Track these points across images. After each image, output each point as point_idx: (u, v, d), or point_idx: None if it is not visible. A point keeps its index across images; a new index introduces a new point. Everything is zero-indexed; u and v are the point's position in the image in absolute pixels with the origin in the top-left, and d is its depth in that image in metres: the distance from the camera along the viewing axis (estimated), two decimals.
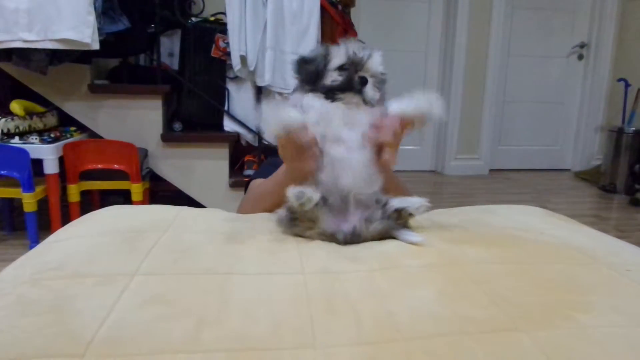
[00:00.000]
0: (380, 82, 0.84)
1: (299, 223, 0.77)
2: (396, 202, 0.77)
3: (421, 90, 0.81)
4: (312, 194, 0.74)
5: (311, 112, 0.80)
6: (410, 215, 0.78)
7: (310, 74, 0.83)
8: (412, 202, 0.77)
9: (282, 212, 0.79)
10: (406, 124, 0.83)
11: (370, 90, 0.82)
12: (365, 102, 0.82)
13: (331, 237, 0.76)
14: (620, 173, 3.98)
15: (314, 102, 0.82)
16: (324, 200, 0.76)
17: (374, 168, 0.80)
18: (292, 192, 0.74)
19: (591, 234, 0.87)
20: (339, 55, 0.83)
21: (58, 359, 0.46)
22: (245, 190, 1.23)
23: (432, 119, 0.82)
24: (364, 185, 0.78)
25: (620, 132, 4.02)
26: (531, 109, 4.72)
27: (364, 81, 0.81)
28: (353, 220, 0.76)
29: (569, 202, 3.77)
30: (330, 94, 0.81)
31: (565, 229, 0.88)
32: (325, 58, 0.83)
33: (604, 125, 4.61)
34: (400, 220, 0.78)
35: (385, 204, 0.78)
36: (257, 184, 1.13)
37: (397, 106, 0.83)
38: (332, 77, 0.82)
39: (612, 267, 0.69)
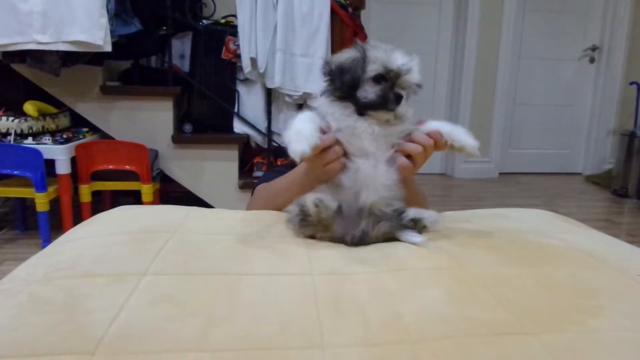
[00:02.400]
0: (414, 93, 0.81)
1: (310, 225, 0.76)
2: (412, 213, 0.78)
3: (460, 126, 0.81)
4: (331, 203, 0.74)
5: (341, 128, 0.78)
6: (425, 227, 0.78)
7: (345, 84, 0.78)
8: (428, 214, 0.78)
9: (293, 211, 0.79)
10: (440, 145, 0.82)
11: (403, 107, 0.78)
12: (397, 117, 0.79)
13: (340, 240, 0.76)
14: (632, 177, 3.93)
15: (344, 117, 0.78)
16: (339, 208, 0.76)
17: (396, 185, 0.79)
18: (310, 198, 0.74)
19: (602, 238, 0.86)
20: (376, 63, 0.77)
21: (69, 357, 0.46)
22: (252, 194, 1.22)
23: (467, 153, 0.82)
24: (383, 202, 0.76)
25: (632, 136, 3.98)
26: (542, 112, 4.68)
27: (398, 98, 0.77)
28: (363, 225, 0.76)
29: (580, 206, 3.73)
30: (362, 108, 0.78)
31: (575, 233, 0.88)
32: (363, 66, 0.78)
33: (616, 129, 4.57)
34: (414, 229, 0.78)
35: (401, 213, 0.78)
36: (262, 187, 1.13)
37: (437, 127, 0.82)
38: (367, 90, 0.77)
39: (623, 272, 0.68)
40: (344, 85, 0.79)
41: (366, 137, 0.78)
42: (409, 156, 0.81)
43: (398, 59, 0.78)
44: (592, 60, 4.61)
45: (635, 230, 3.18)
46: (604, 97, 4.61)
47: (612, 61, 4.54)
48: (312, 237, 0.77)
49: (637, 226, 3.28)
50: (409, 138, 0.81)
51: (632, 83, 4.35)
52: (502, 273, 0.66)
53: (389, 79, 0.77)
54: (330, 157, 0.77)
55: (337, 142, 0.78)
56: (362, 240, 0.75)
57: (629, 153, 3.97)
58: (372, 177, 0.77)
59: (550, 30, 4.52)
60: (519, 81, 4.57)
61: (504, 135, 4.61)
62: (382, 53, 0.78)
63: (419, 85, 0.80)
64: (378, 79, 0.77)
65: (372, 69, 0.77)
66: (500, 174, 4.62)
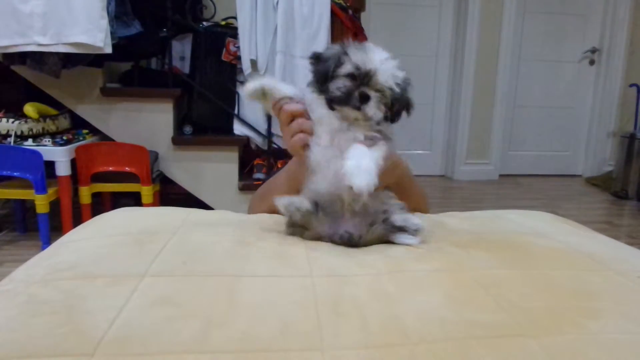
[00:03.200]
0: (392, 98, 0.78)
1: (293, 226, 0.79)
2: (398, 219, 0.77)
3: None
4: (300, 204, 0.75)
5: (313, 117, 0.81)
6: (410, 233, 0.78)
7: (319, 74, 0.80)
8: (413, 223, 0.77)
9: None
10: None
11: (372, 109, 0.76)
12: (365, 119, 0.77)
13: (329, 240, 0.77)
14: (632, 179, 3.93)
15: (318, 107, 0.80)
16: (315, 207, 0.76)
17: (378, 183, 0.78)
18: (281, 202, 0.76)
19: (602, 240, 0.86)
20: (350, 62, 0.77)
21: (68, 358, 0.46)
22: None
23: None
24: (356, 196, 0.74)
25: (632, 138, 3.98)
26: (542, 114, 4.69)
27: (364, 97, 0.76)
28: (347, 226, 0.76)
29: (580, 208, 3.73)
30: (329, 102, 0.78)
31: (575, 235, 0.87)
32: (339, 61, 0.78)
33: (616, 131, 4.57)
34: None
35: (387, 218, 0.77)
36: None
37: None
38: (336, 85, 0.78)
39: (623, 274, 0.68)
40: (317, 74, 0.80)
41: (326, 129, 0.79)
42: None
43: (374, 61, 0.77)
44: (592, 63, 4.62)
45: (636, 232, 3.18)
46: (603, 99, 4.62)
47: (612, 63, 4.54)
48: (301, 237, 0.78)
49: (637, 228, 3.28)
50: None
51: (632, 85, 4.35)
52: (502, 275, 0.66)
53: (358, 78, 0.77)
54: (293, 127, 0.80)
55: (305, 117, 0.81)
56: (353, 241, 0.76)
57: (629, 155, 3.97)
58: (342, 174, 0.75)
59: (550, 32, 4.52)
60: (519, 83, 4.58)
61: (504, 137, 4.61)
62: (361, 53, 0.78)
63: (391, 89, 0.78)
64: (349, 76, 0.78)
65: (346, 67, 0.78)
66: (500, 175, 4.62)
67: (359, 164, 0.70)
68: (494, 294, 0.60)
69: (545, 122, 4.71)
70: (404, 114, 0.82)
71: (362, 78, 0.77)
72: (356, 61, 0.77)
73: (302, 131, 0.80)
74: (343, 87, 0.77)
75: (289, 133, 0.81)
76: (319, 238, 0.77)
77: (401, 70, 0.79)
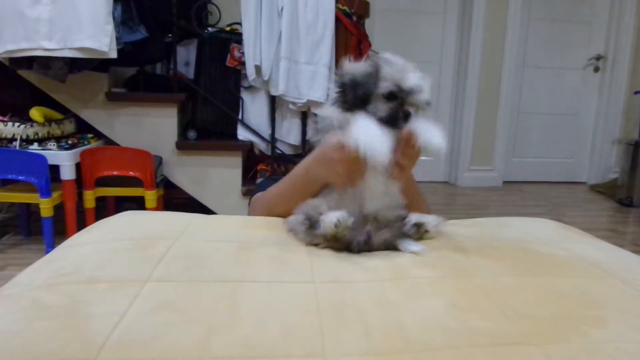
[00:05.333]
0: (423, 110, 0.80)
1: (319, 236, 0.76)
2: (415, 218, 0.79)
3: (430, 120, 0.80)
4: (348, 219, 0.74)
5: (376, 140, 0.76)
6: (426, 232, 0.79)
7: (357, 98, 0.79)
8: (430, 219, 0.79)
9: (295, 220, 0.80)
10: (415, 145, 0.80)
11: (410, 124, 0.78)
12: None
13: (345, 248, 0.77)
14: (637, 187, 3.91)
15: (373, 128, 0.77)
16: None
17: (395, 192, 0.80)
18: (329, 218, 0.73)
19: (606, 248, 0.86)
20: (388, 80, 0.78)
21: None
22: (249, 204, 1.20)
23: (432, 151, 0.80)
24: (386, 209, 0.78)
25: (637, 145, 3.97)
26: (546, 120, 4.68)
27: (407, 116, 0.77)
28: (366, 230, 0.77)
29: (585, 215, 3.71)
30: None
31: (580, 242, 0.87)
32: (375, 81, 0.78)
33: (621, 138, 4.56)
34: (416, 234, 0.79)
35: (404, 218, 0.79)
36: (259, 196, 1.11)
37: (413, 126, 0.81)
38: (377, 107, 0.78)
39: (627, 282, 0.68)
40: (356, 99, 0.79)
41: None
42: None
43: (411, 78, 0.78)
44: (596, 70, 4.61)
45: None
46: (608, 106, 4.61)
47: (616, 70, 4.53)
48: (316, 244, 0.77)
49: None
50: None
51: (636, 92, 4.34)
52: (506, 283, 0.66)
53: (399, 97, 0.78)
54: (362, 166, 0.77)
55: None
56: (365, 246, 0.76)
57: (634, 162, 3.96)
58: (374, 185, 0.78)
59: (554, 39, 4.52)
60: (523, 90, 4.57)
61: (508, 143, 4.60)
62: (396, 71, 0.78)
63: (428, 103, 0.80)
64: (389, 96, 0.77)
65: (385, 86, 0.77)
66: (504, 182, 4.60)
67: (376, 133, 0.72)
68: (497, 301, 0.60)
69: (549, 129, 4.69)
70: None
71: (404, 96, 0.77)
72: (395, 79, 0.77)
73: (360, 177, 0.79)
74: (388, 108, 0.77)
75: (353, 170, 0.78)
76: (339, 248, 0.76)
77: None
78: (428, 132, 0.78)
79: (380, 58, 0.81)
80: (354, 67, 0.82)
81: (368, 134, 0.72)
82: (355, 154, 0.72)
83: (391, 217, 0.79)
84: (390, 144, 0.71)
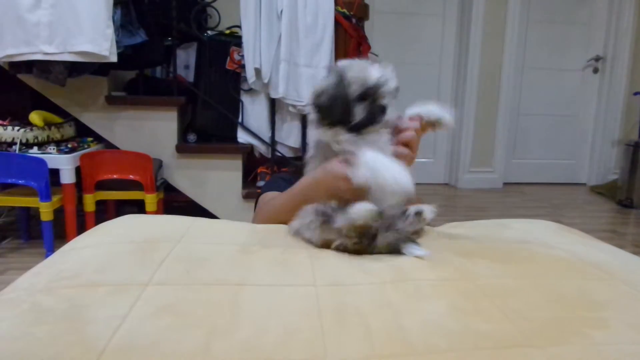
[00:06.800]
0: (394, 98, 0.84)
1: (334, 230, 0.76)
2: (413, 208, 0.81)
3: (433, 101, 0.85)
4: (378, 211, 0.75)
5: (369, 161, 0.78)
6: (424, 220, 0.81)
7: (334, 108, 0.81)
8: (425, 207, 0.81)
9: (305, 219, 0.80)
10: (423, 126, 0.86)
11: (389, 114, 0.82)
12: (385, 124, 0.83)
13: (356, 244, 0.77)
14: (637, 188, 3.91)
15: (353, 144, 0.81)
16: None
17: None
18: (363, 208, 0.73)
19: (607, 249, 0.86)
20: (355, 84, 0.80)
21: None
22: (256, 203, 1.22)
23: (443, 125, 0.86)
24: (391, 207, 0.79)
25: (636, 146, 3.97)
26: (546, 122, 4.68)
27: (384, 109, 0.81)
28: (374, 229, 0.77)
29: (585, 216, 3.71)
30: (355, 129, 0.81)
31: (580, 244, 0.87)
32: (343, 87, 0.81)
33: (620, 139, 4.56)
34: (418, 224, 0.80)
35: (405, 211, 0.80)
36: (269, 197, 1.12)
37: (416, 110, 0.87)
38: (354, 110, 0.80)
39: (628, 284, 0.68)
40: (332, 110, 0.82)
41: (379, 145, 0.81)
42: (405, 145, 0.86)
43: (373, 73, 0.81)
44: (595, 71, 4.61)
45: None
46: (607, 107, 4.61)
47: (615, 71, 4.54)
48: (329, 241, 0.77)
49: None
50: (398, 129, 0.86)
51: (636, 93, 4.34)
52: (507, 284, 0.66)
53: (370, 95, 0.80)
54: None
55: None
56: (370, 247, 0.76)
57: (634, 163, 3.96)
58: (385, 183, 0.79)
59: (553, 41, 4.53)
60: (522, 91, 4.58)
61: (508, 145, 4.60)
62: (357, 72, 0.81)
63: (397, 89, 0.83)
64: (361, 98, 0.80)
65: (354, 90, 0.80)
66: (504, 184, 4.60)
67: (394, 167, 0.74)
68: (499, 303, 0.60)
69: (549, 130, 4.70)
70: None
71: (374, 92, 0.80)
72: (360, 80, 0.80)
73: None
74: (363, 110, 0.80)
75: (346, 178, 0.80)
76: (349, 245, 0.77)
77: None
78: (433, 109, 0.84)
79: (339, 67, 0.84)
80: (322, 85, 0.85)
81: (380, 171, 0.73)
82: (364, 186, 0.74)
83: (396, 214, 0.79)
84: (409, 176, 0.73)
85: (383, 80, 0.81)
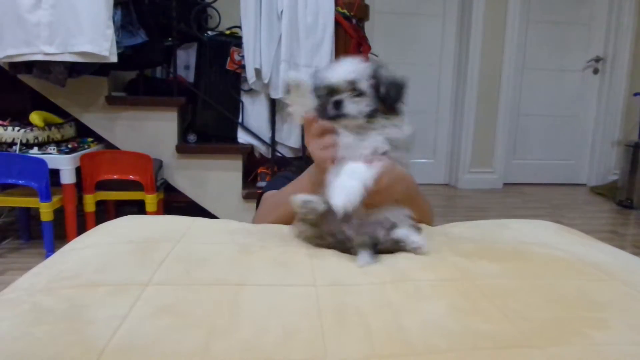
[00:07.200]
0: (366, 92, 0.80)
1: (308, 224, 0.79)
2: (399, 233, 0.78)
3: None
4: (317, 204, 0.77)
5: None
6: (404, 247, 0.78)
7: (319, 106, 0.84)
8: (413, 240, 0.77)
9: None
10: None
11: (350, 108, 0.79)
12: (367, 121, 0.80)
13: (330, 240, 0.78)
14: (638, 188, 3.91)
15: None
16: (329, 211, 0.76)
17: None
18: (298, 199, 0.77)
19: (607, 250, 0.86)
20: (322, 85, 0.82)
21: None
22: (258, 202, 1.23)
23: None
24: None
25: (636, 147, 3.97)
26: (546, 122, 4.68)
27: (337, 103, 0.79)
28: (348, 228, 0.78)
29: (585, 217, 3.71)
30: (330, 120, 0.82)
31: (580, 244, 0.87)
32: (317, 88, 0.83)
33: (620, 139, 4.56)
34: (395, 247, 0.78)
35: (389, 229, 0.78)
36: (270, 195, 1.13)
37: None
38: (323, 106, 0.82)
39: (628, 284, 0.68)
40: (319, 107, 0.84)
41: (343, 144, 0.81)
42: None
43: (329, 73, 0.81)
44: (595, 71, 4.62)
45: None
46: (608, 107, 4.61)
47: (616, 72, 4.54)
48: (319, 243, 0.79)
49: None
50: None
51: (636, 94, 4.34)
52: (507, 285, 0.66)
53: (326, 93, 0.81)
54: (326, 141, 0.81)
55: (335, 133, 0.82)
56: (346, 244, 0.77)
57: (634, 164, 3.96)
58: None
59: (554, 41, 4.53)
60: (522, 92, 4.58)
61: (508, 145, 4.60)
62: (321, 73, 0.83)
63: (351, 83, 0.80)
64: (323, 96, 0.82)
65: (319, 91, 0.83)
66: (505, 184, 4.60)
67: (343, 184, 0.72)
68: (499, 304, 0.60)
69: (549, 130, 4.70)
70: (398, 96, 0.83)
71: (328, 90, 0.81)
72: (319, 81, 0.82)
73: (332, 146, 0.81)
74: (324, 105, 0.81)
75: (318, 146, 0.83)
76: (320, 237, 0.79)
77: (368, 66, 0.82)
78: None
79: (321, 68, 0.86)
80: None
81: (336, 183, 0.73)
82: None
83: (374, 219, 0.79)
84: (351, 197, 0.71)
85: (330, 77, 0.80)
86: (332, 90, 0.80)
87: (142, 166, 2.52)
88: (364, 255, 0.74)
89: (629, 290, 0.66)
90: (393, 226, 0.79)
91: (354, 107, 0.79)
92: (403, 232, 0.78)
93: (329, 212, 0.76)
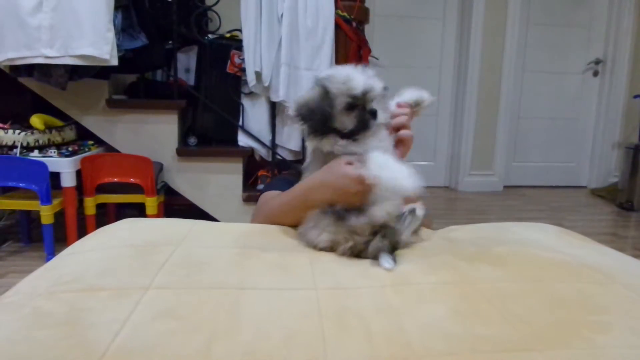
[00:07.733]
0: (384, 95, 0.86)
1: (346, 229, 0.78)
2: (407, 208, 0.83)
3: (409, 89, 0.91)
4: (394, 209, 0.79)
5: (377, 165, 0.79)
6: (418, 217, 0.83)
7: (317, 122, 0.83)
8: (416, 206, 0.84)
9: (319, 217, 0.81)
10: (410, 112, 0.91)
11: (381, 115, 0.83)
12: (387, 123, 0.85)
13: (361, 248, 0.77)
14: (638, 191, 3.91)
15: (351, 148, 0.82)
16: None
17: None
18: (385, 208, 0.77)
19: (608, 252, 0.86)
20: (340, 95, 0.81)
21: None
22: (258, 202, 1.22)
23: (424, 103, 0.93)
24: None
25: (637, 149, 3.97)
26: (546, 125, 4.68)
27: (374, 114, 0.82)
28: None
29: (585, 219, 3.71)
30: (348, 136, 0.82)
31: (581, 247, 0.87)
32: (328, 100, 0.82)
33: (621, 142, 4.56)
34: (414, 224, 0.82)
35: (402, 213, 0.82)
36: (269, 196, 1.12)
37: (396, 100, 0.91)
38: (344, 121, 0.82)
39: (629, 287, 0.67)
40: (315, 123, 0.84)
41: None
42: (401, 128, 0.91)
43: (357, 81, 0.81)
44: (595, 74, 4.62)
45: None
46: (608, 110, 4.61)
47: (616, 74, 4.54)
48: (335, 246, 0.78)
49: None
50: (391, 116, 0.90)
51: (636, 96, 4.34)
52: (508, 288, 0.66)
53: (359, 104, 0.81)
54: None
55: None
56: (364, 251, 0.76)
57: (634, 166, 3.96)
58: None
59: (554, 44, 4.53)
60: (523, 94, 4.58)
61: (509, 148, 4.60)
62: (341, 83, 0.82)
63: (385, 89, 0.85)
64: (349, 107, 0.81)
65: (341, 102, 0.81)
66: (505, 187, 4.60)
67: (402, 170, 0.74)
68: (499, 307, 0.60)
69: (549, 133, 4.70)
70: None
71: (361, 100, 0.81)
72: (345, 91, 0.81)
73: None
74: (353, 118, 0.81)
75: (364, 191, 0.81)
76: (354, 246, 0.78)
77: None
78: (410, 94, 0.92)
79: (323, 78, 0.86)
80: (305, 97, 0.87)
81: (392, 172, 0.75)
82: (375, 187, 0.75)
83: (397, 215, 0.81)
84: (415, 179, 0.74)
85: (368, 86, 0.81)
86: (356, 99, 0.81)
87: (142, 169, 2.52)
88: (387, 258, 0.74)
89: (630, 293, 0.66)
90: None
91: (382, 115, 0.83)
92: (408, 207, 0.83)
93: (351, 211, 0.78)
